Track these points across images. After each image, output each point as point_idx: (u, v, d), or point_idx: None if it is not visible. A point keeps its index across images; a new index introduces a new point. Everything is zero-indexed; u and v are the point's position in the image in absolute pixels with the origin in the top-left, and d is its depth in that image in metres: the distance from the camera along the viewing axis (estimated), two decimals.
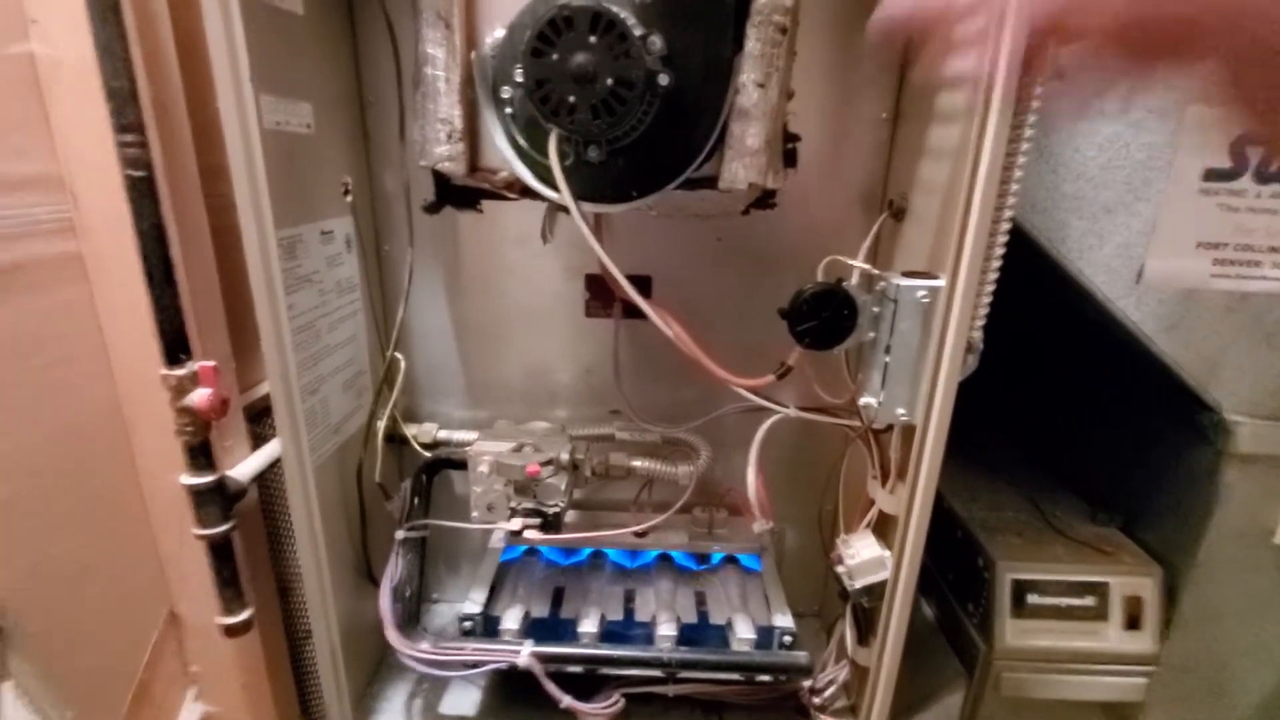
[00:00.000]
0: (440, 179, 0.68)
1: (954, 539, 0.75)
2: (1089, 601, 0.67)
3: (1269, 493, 0.62)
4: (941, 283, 0.51)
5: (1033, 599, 0.67)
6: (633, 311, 0.76)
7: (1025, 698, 0.68)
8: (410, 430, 0.74)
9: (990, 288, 0.51)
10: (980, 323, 0.52)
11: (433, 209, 0.70)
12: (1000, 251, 0.50)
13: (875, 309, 0.55)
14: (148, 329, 0.57)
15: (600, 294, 0.74)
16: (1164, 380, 0.62)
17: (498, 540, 0.78)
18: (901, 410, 0.54)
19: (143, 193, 0.51)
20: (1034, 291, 0.62)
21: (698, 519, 0.77)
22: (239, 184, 0.49)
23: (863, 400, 0.56)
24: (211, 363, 0.56)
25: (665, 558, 0.79)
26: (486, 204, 0.71)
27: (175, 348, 0.55)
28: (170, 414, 0.57)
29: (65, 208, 0.56)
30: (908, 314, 0.52)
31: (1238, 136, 0.54)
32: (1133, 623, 0.67)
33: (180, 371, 0.55)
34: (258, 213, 0.50)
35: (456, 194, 0.70)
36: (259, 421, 0.71)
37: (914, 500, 0.56)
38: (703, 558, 0.79)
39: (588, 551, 0.80)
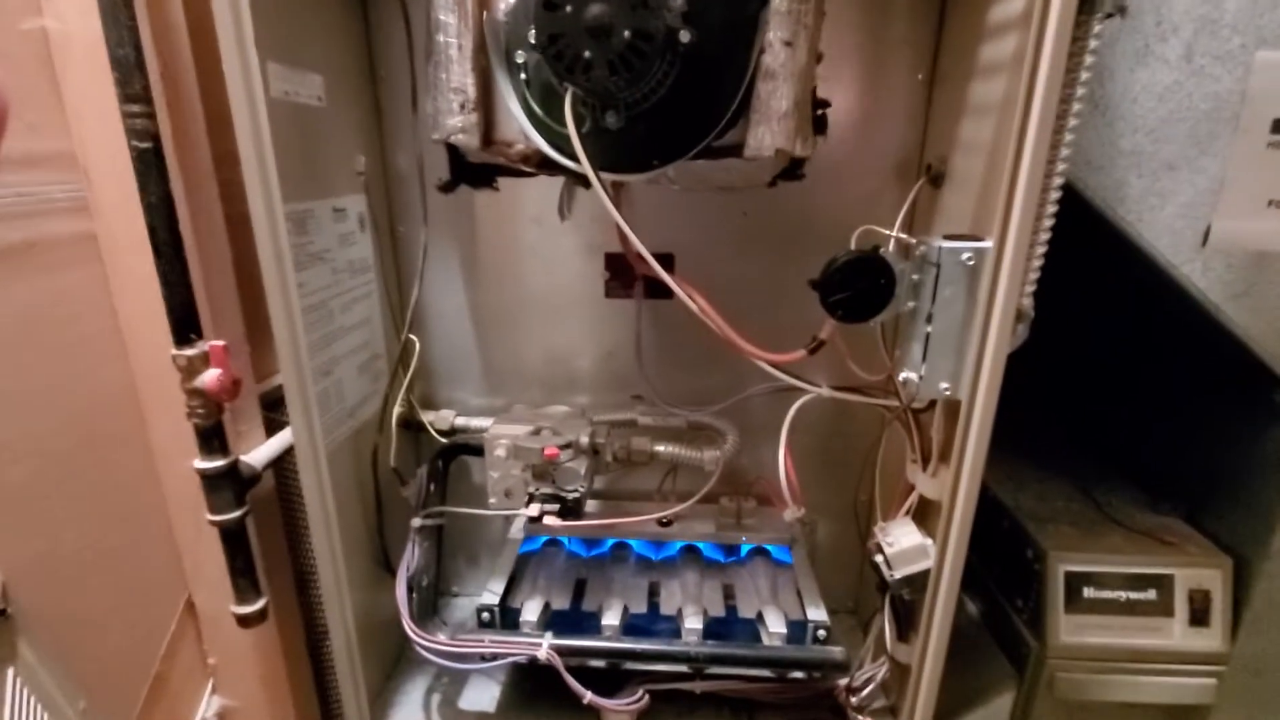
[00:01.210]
0: (455, 155, 0.66)
1: (1000, 529, 0.71)
2: (1150, 595, 0.62)
3: None
4: (989, 244, 0.47)
5: (1089, 592, 0.62)
6: (655, 292, 0.73)
7: (1081, 700, 0.63)
8: (427, 417, 0.72)
9: (1042, 250, 0.47)
10: (1031, 289, 0.48)
11: (448, 188, 0.69)
12: (1052, 210, 0.46)
13: (915, 276, 0.51)
14: (160, 308, 0.56)
15: (621, 274, 0.72)
16: (1232, 354, 0.57)
17: (517, 530, 0.75)
18: (945, 384, 0.50)
19: (149, 165, 0.50)
20: (1088, 259, 0.57)
21: (725, 509, 0.74)
22: (245, 152, 0.47)
23: (902, 375, 0.52)
24: (221, 342, 0.55)
25: (691, 549, 0.76)
26: (503, 182, 0.69)
27: (185, 327, 0.54)
28: (182, 395, 0.56)
29: (79, 186, 0.55)
30: (951, 279, 0.48)
31: None
32: (1199, 618, 0.61)
33: (190, 351, 0.54)
34: (264, 182, 0.48)
35: (471, 171, 0.69)
36: (276, 409, 0.70)
37: (959, 483, 0.52)
38: (730, 549, 0.76)
39: (610, 543, 0.77)
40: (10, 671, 0.45)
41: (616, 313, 0.72)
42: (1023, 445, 0.82)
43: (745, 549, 0.76)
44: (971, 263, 0.47)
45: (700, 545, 0.76)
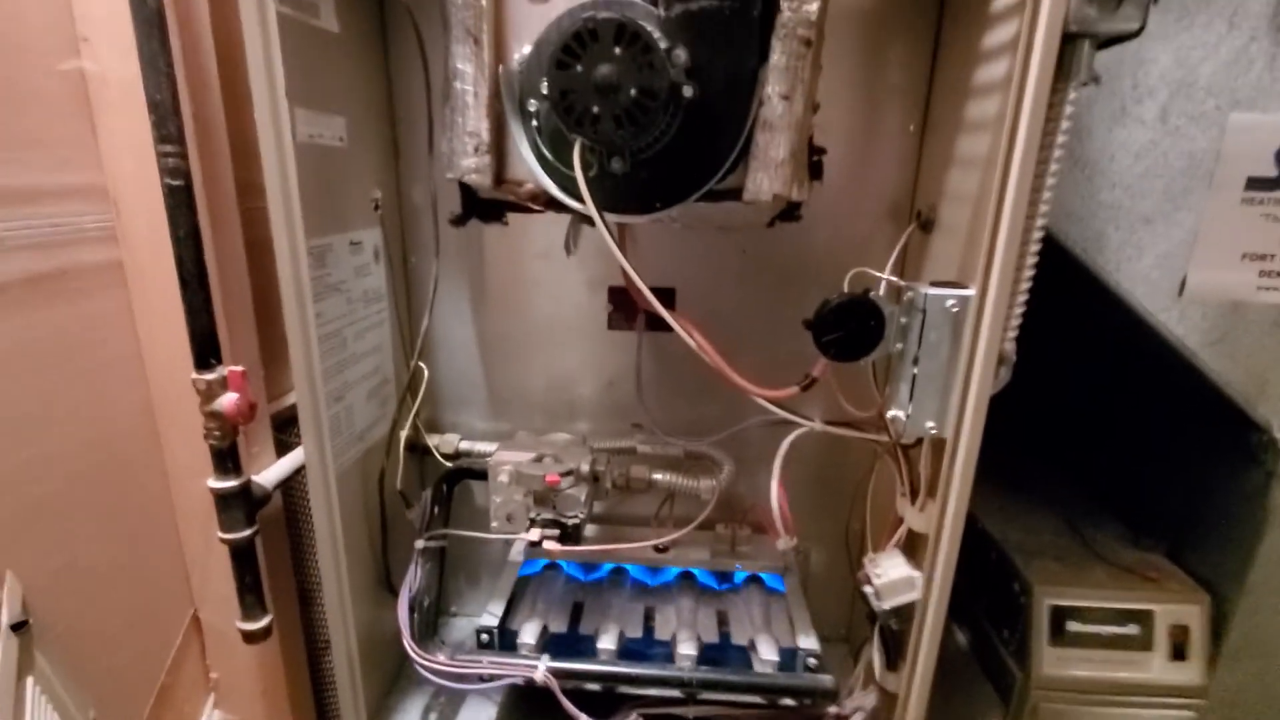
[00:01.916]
0: (467, 192, 0.69)
1: (988, 561, 0.72)
2: (1132, 630, 0.63)
3: None
4: (971, 292, 0.49)
5: (1073, 626, 0.64)
6: (656, 324, 0.76)
7: None
8: (432, 440, 0.74)
9: (1023, 298, 0.49)
10: (1013, 334, 0.50)
11: (459, 221, 0.71)
12: (1033, 260, 0.48)
13: (903, 320, 0.54)
14: (181, 335, 0.58)
15: (623, 306, 0.74)
16: (1210, 398, 0.60)
17: (517, 553, 0.77)
18: (931, 423, 0.53)
19: (180, 201, 0.52)
20: (1070, 305, 0.60)
21: (720, 536, 0.76)
22: (272, 193, 0.50)
23: (890, 413, 0.55)
24: (240, 368, 0.57)
25: (687, 576, 0.78)
26: (511, 217, 0.72)
27: (206, 352, 0.56)
28: (199, 418, 0.58)
29: (109, 217, 0.58)
30: (936, 324, 0.50)
31: None
32: (1178, 653, 0.63)
33: (210, 376, 0.56)
34: (289, 221, 0.51)
35: (482, 207, 0.71)
36: (286, 430, 0.72)
37: (944, 518, 0.54)
38: (725, 576, 0.77)
39: (608, 568, 0.79)
40: (30, 680, 0.47)
41: (618, 344, 0.75)
42: (1011, 480, 0.84)
43: (740, 577, 0.77)
44: (955, 309, 0.50)
45: (695, 572, 0.78)
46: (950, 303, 0.50)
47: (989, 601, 0.73)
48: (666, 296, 0.74)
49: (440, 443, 0.74)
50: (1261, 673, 0.64)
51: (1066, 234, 0.57)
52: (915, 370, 0.52)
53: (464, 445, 0.75)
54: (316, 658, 0.80)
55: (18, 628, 0.47)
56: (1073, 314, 0.63)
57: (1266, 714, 0.65)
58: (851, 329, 0.55)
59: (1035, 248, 0.48)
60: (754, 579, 0.77)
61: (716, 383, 0.61)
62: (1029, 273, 0.49)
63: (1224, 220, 0.54)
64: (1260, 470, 0.60)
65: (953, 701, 0.71)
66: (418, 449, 0.75)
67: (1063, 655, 0.64)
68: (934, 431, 0.53)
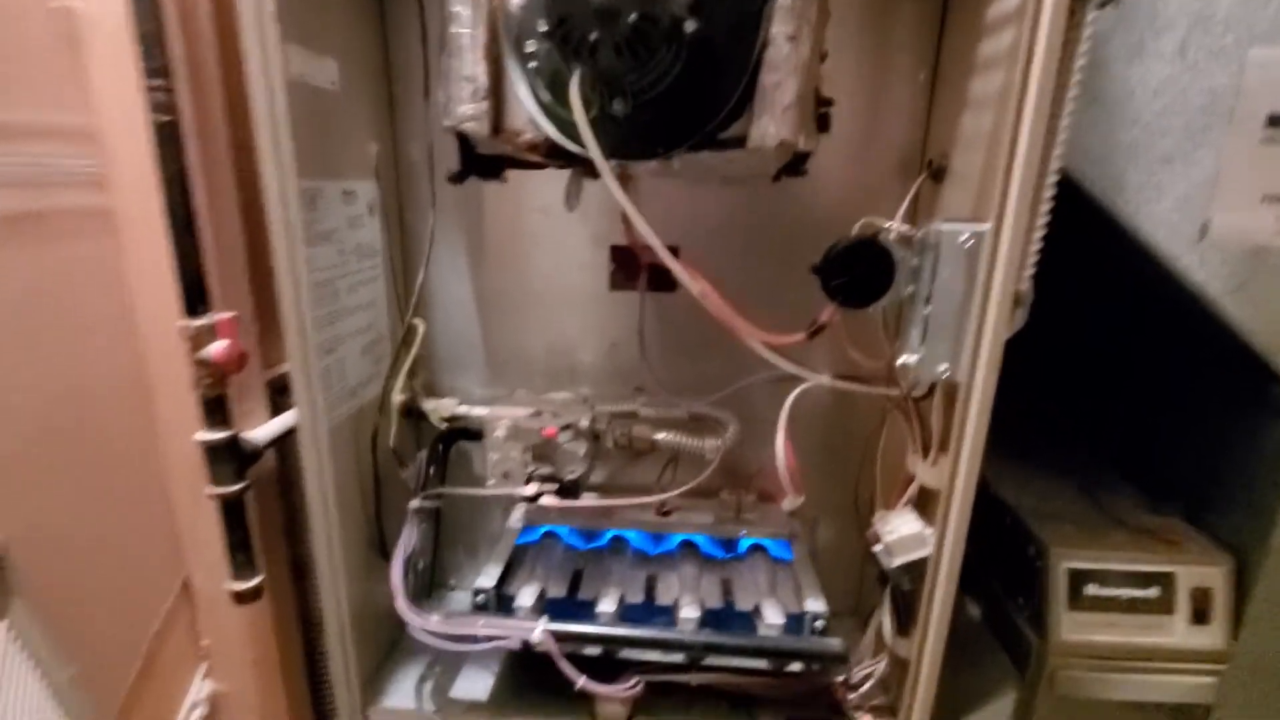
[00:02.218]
0: (465, 147, 0.67)
1: (1002, 528, 0.70)
2: (1153, 593, 0.61)
3: None
4: (986, 227, 0.48)
5: (1091, 590, 0.62)
6: (659, 284, 0.74)
7: (1083, 697, 0.62)
8: (428, 405, 0.72)
9: (1040, 234, 0.47)
10: (1029, 273, 0.48)
11: (457, 179, 0.70)
12: (1050, 195, 0.47)
13: (914, 261, 0.52)
14: (170, 282, 0.57)
15: (626, 266, 0.72)
16: (1231, 349, 0.58)
17: (515, 521, 0.75)
18: (943, 366, 0.51)
19: (168, 138, 0.51)
20: (1087, 249, 0.58)
21: (725, 503, 0.74)
22: (261, 126, 0.48)
23: (901, 359, 0.53)
24: (230, 314, 0.55)
25: (689, 545, 0.76)
26: (511, 174, 0.70)
27: (195, 299, 0.55)
28: (189, 367, 0.57)
29: (95, 161, 0.57)
30: (950, 260, 0.49)
31: None
32: (1200, 616, 0.61)
33: (199, 322, 0.55)
34: (278, 156, 0.49)
35: (481, 163, 0.70)
36: (282, 396, 0.70)
37: (958, 467, 0.52)
38: (729, 545, 0.75)
39: (608, 536, 0.77)
40: (4, 624, 0.45)
41: (620, 305, 0.73)
42: (1025, 447, 0.81)
43: (744, 545, 0.75)
44: (970, 245, 0.48)
45: (699, 540, 0.76)
46: (964, 238, 0.48)
47: (1004, 571, 0.71)
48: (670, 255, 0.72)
49: (436, 406, 0.72)
50: None
51: (1085, 175, 0.55)
52: (927, 311, 0.50)
53: (461, 410, 0.73)
54: (309, 630, 0.78)
55: None
56: (1091, 255, 0.61)
57: None
58: (860, 273, 0.53)
59: (1053, 179, 0.46)
60: (759, 548, 0.75)
61: (721, 343, 0.60)
62: (1046, 207, 0.47)
63: (1244, 161, 0.53)
64: None
65: (965, 675, 0.68)
66: (413, 413, 0.73)
67: (1081, 620, 0.62)
68: (947, 374, 0.51)
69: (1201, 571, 0.61)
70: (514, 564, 0.70)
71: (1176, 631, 0.61)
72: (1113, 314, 0.79)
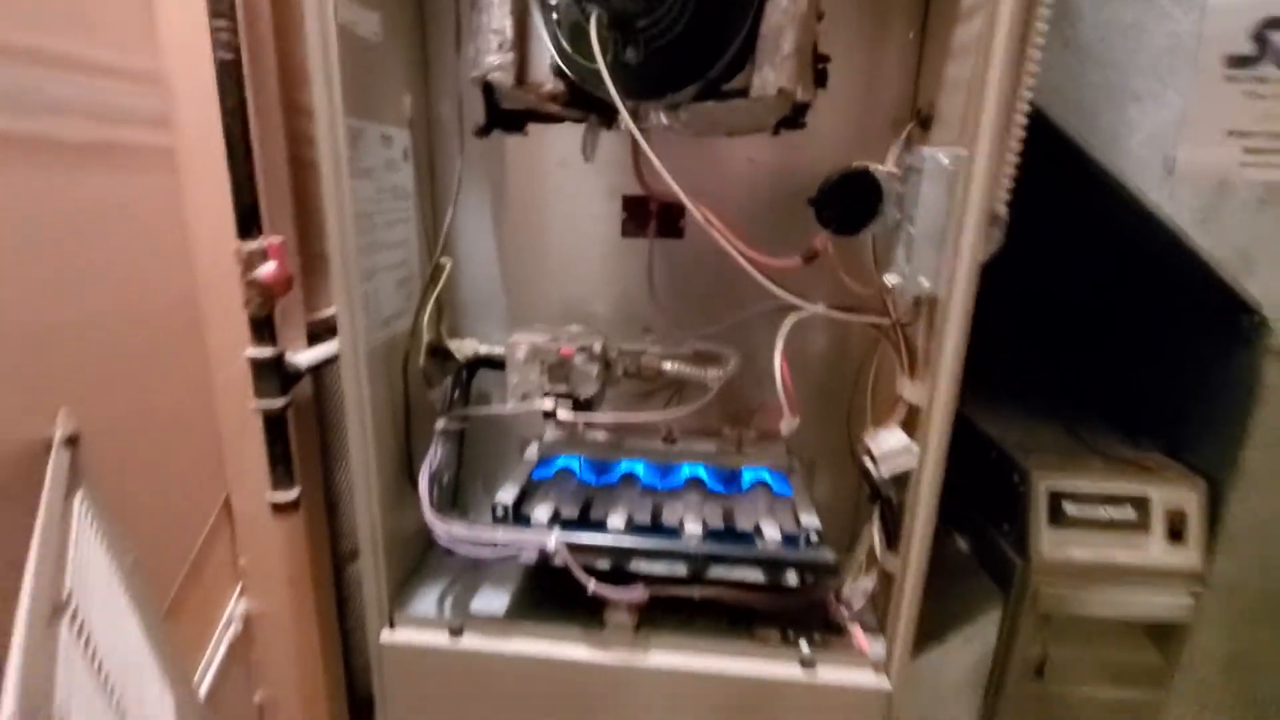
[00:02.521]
0: (490, 99, 0.73)
1: (988, 462, 0.74)
2: (1129, 514, 0.65)
3: None
4: (964, 151, 0.52)
5: (1070, 510, 0.66)
6: (667, 231, 0.80)
7: (1065, 614, 0.66)
8: (452, 344, 0.78)
9: (1013, 158, 0.52)
10: (1004, 194, 0.53)
11: (483, 132, 0.76)
12: (1022, 120, 0.51)
13: (900, 190, 0.57)
14: (225, 220, 0.63)
15: (637, 214, 0.78)
16: (1201, 281, 0.62)
17: (532, 453, 0.80)
18: (925, 279, 0.55)
19: (229, 75, 0.57)
20: (1071, 199, 0.63)
21: (727, 438, 0.78)
22: (314, 62, 0.54)
23: (887, 278, 0.57)
24: (279, 238, 0.61)
25: (696, 482, 0.80)
26: (532, 128, 0.76)
27: (248, 222, 0.61)
28: (240, 289, 0.62)
29: (160, 102, 0.63)
30: (931, 180, 0.53)
31: (1261, 20, 0.55)
32: (1175, 536, 0.65)
33: (252, 245, 0.61)
34: (329, 92, 0.55)
35: (504, 117, 0.76)
36: (319, 339, 0.76)
37: (938, 382, 0.57)
38: (732, 479, 0.80)
39: (619, 472, 0.82)
40: (79, 497, 0.50)
41: (631, 252, 0.79)
42: (1013, 395, 0.85)
43: (747, 479, 0.80)
44: (950, 167, 0.53)
45: (703, 476, 0.80)
46: (945, 160, 0.53)
47: (989, 502, 0.75)
48: (675, 205, 0.77)
49: (460, 345, 0.78)
50: (1262, 560, 0.65)
51: (1063, 118, 0.60)
52: (912, 230, 0.55)
53: (483, 350, 0.79)
54: (339, 553, 0.83)
55: (71, 442, 0.50)
56: (1073, 208, 0.66)
57: (1269, 600, 0.66)
58: (851, 202, 0.58)
59: (1024, 108, 0.51)
60: (760, 484, 0.79)
61: (724, 282, 0.65)
62: (1019, 131, 0.52)
63: (1208, 99, 0.57)
64: (1251, 351, 0.62)
65: (951, 600, 0.73)
66: (439, 353, 0.78)
67: (1061, 538, 0.66)
68: (928, 287, 0.55)
69: (1175, 493, 0.65)
70: (530, 490, 0.75)
71: (1153, 551, 0.65)
72: (1095, 268, 0.83)
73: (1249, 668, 0.69)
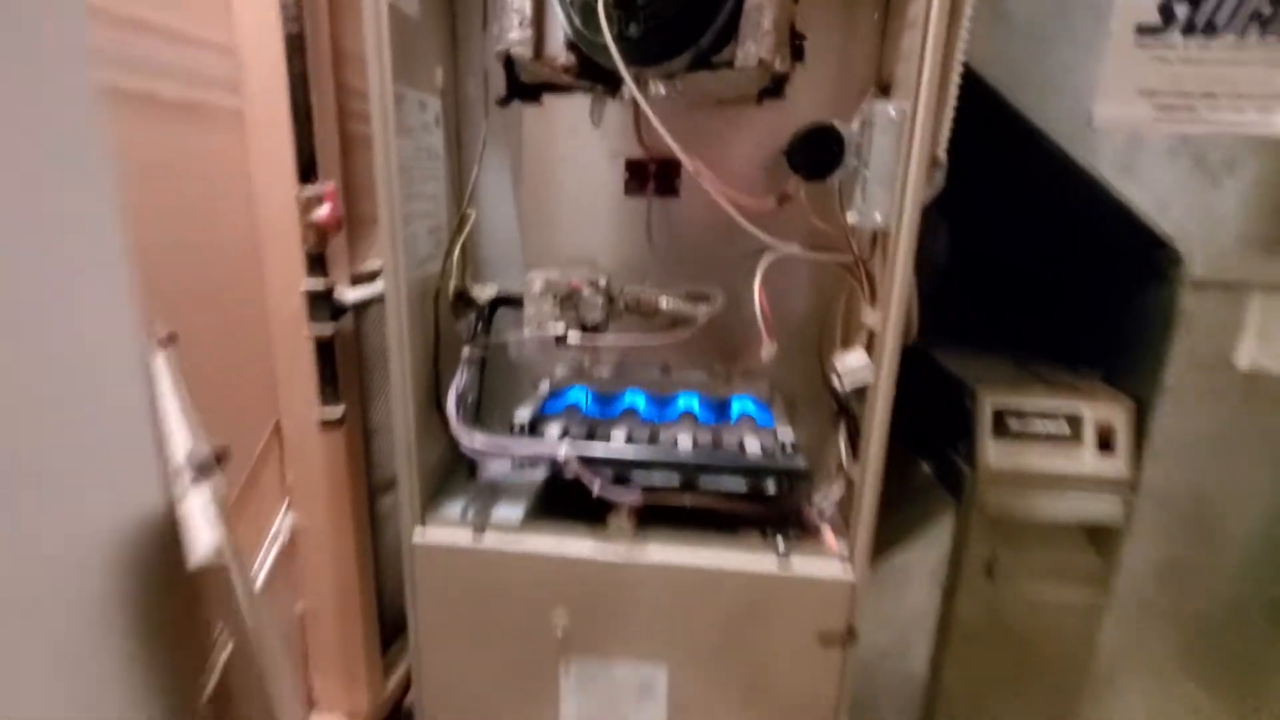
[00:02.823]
0: (510, 72, 0.84)
1: (949, 393, 0.84)
2: (1064, 428, 0.75)
3: (1223, 319, 0.69)
4: (908, 105, 0.63)
5: (1013, 424, 0.75)
6: (664, 190, 0.91)
7: (1010, 519, 0.75)
8: (475, 289, 0.89)
9: (950, 110, 0.62)
10: (944, 141, 0.63)
11: (504, 102, 0.87)
12: (957, 79, 0.62)
13: (858, 142, 0.67)
14: (286, 167, 0.74)
15: (638, 175, 0.89)
16: (1124, 224, 0.71)
17: (544, 389, 0.91)
18: (879, 214, 0.65)
19: (295, 46, 0.68)
20: (1012, 179, 0.73)
21: (716, 372, 0.88)
22: (369, 31, 0.65)
23: (848, 215, 0.68)
24: (333, 184, 0.72)
25: (689, 415, 0.91)
26: (546, 99, 0.87)
27: (308, 171, 0.72)
28: (299, 230, 0.73)
29: (232, 69, 0.75)
30: (882, 129, 0.64)
31: None
32: (1106, 447, 0.74)
33: (310, 191, 0.72)
34: (380, 58, 0.66)
35: (523, 89, 0.87)
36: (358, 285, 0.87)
37: (890, 304, 0.67)
38: (722, 411, 0.90)
39: (621, 407, 0.92)
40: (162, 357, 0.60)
41: (632, 209, 0.89)
42: (975, 340, 0.95)
43: (735, 412, 0.90)
44: (896, 118, 0.63)
45: (695, 410, 0.90)
46: (893, 111, 0.63)
47: (948, 428, 0.84)
48: (672, 167, 0.88)
49: (481, 290, 0.89)
50: (1187, 472, 0.74)
51: (998, 80, 0.70)
52: (867, 173, 0.65)
53: (501, 294, 0.89)
54: (374, 493, 0.94)
55: (171, 339, 0.61)
56: (1012, 171, 0.76)
57: (1196, 512, 0.75)
58: (818, 152, 0.69)
59: (959, 68, 0.61)
60: (746, 416, 0.89)
61: (712, 234, 0.74)
62: (955, 88, 0.62)
63: (1121, 62, 0.67)
64: (1168, 284, 0.71)
65: (915, 512, 0.82)
66: (463, 298, 0.89)
67: (1004, 449, 0.75)
68: (881, 222, 0.65)
69: (1105, 410, 0.74)
70: (542, 417, 0.85)
71: (1086, 460, 0.75)
72: (1034, 229, 0.93)
73: (1183, 574, 0.78)
